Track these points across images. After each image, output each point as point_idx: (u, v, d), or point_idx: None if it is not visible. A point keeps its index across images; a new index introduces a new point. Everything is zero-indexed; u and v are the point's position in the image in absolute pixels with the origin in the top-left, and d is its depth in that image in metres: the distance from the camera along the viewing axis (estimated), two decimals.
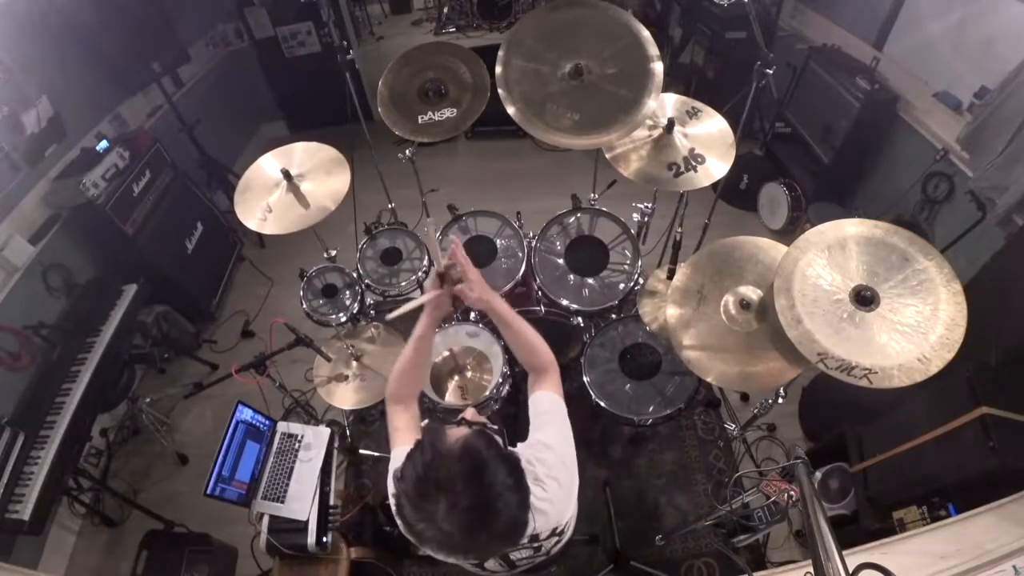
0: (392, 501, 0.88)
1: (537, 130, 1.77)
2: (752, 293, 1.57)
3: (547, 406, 1.12)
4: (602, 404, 1.93)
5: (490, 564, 1.14)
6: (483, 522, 0.79)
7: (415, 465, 0.82)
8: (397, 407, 1.20)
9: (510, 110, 1.78)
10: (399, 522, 0.87)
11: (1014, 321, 1.68)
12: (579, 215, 2.21)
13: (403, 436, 1.15)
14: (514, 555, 1.11)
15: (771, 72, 1.75)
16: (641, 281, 2.10)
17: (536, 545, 1.10)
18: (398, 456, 1.08)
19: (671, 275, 2.00)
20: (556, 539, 1.13)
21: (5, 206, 2.39)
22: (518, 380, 2.06)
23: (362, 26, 4.75)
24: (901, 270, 1.29)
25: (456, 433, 0.87)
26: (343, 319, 2.22)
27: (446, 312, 1.21)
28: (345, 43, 2.14)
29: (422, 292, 2.44)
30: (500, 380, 1.94)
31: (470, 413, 1.09)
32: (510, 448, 0.95)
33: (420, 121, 2.07)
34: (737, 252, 1.62)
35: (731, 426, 2.43)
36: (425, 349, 1.22)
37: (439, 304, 1.18)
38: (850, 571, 0.93)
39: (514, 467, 0.86)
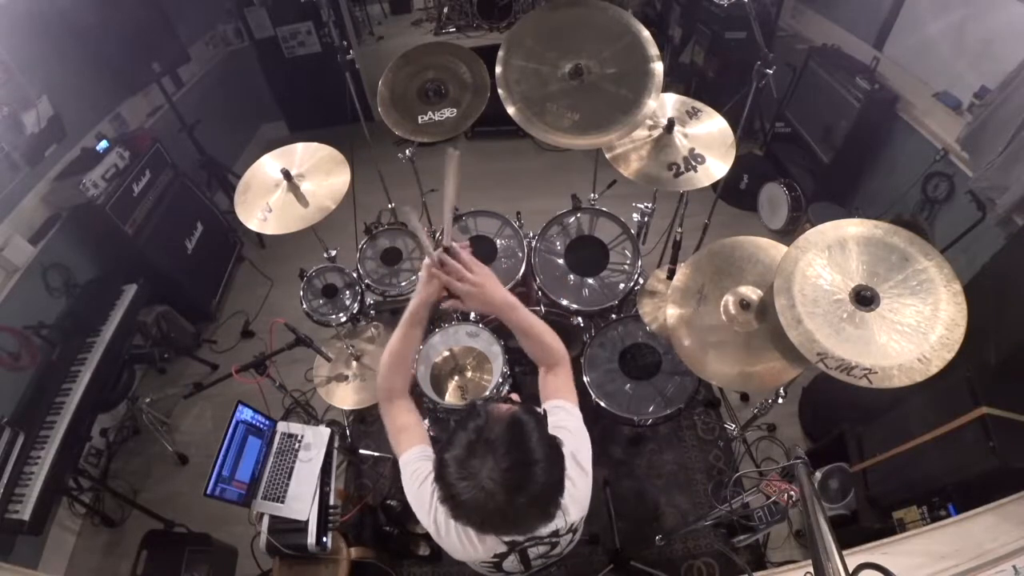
0: (432, 471, 0.93)
1: (537, 130, 1.77)
2: (752, 293, 1.57)
3: (560, 417, 1.08)
4: (602, 404, 1.93)
5: (508, 564, 1.14)
6: (522, 484, 0.84)
7: (466, 429, 0.89)
8: (397, 404, 1.15)
9: (510, 110, 1.78)
10: (438, 489, 0.89)
11: (1014, 321, 1.67)
12: (579, 215, 2.21)
13: (411, 436, 1.11)
14: (532, 551, 1.12)
15: (771, 72, 1.75)
16: (641, 281, 2.10)
17: (554, 540, 1.11)
18: (415, 457, 1.07)
19: (671, 275, 2.00)
20: (571, 536, 1.15)
21: (5, 206, 2.39)
22: (518, 380, 2.07)
23: (362, 26, 4.75)
24: (901, 270, 1.29)
25: (507, 406, 0.94)
26: (343, 319, 2.22)
27: (437, 295, 1.12)
28: (345, 43, 2.14)
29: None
30: (500, 380, 1.94)
31: (516, 396, 1.15)
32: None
33: (420, 121, 2.07)
34: (737, 252, 1.63)
35: (731, 426, 2.43)
36: (413, 334, 1.15)
37: (430, 283, 1.09)
38: (850, 571, 0.93)
39: (553, 442, 0.92)
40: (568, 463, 0.97)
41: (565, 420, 1.09)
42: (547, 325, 1.17)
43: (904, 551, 1.39)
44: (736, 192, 3.56)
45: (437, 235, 2.27)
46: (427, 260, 1.10)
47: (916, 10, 2.76)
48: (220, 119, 4.00)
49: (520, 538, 1.05)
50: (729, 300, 1.58)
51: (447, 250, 1.10)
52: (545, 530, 1.04)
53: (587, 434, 1.10)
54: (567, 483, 0.97)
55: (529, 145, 4.32)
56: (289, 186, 1.91)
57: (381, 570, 2.00)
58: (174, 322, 3.01)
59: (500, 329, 2.06)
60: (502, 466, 0.83)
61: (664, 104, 1.89)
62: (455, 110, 2.08)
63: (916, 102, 2.78)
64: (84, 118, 2.88)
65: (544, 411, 1.02)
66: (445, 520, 1.02)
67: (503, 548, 1.07)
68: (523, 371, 2.14)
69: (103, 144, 2.72)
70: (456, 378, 2.00)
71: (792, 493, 1.27)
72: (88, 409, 2.21)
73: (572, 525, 1.10)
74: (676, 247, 2.08)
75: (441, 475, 0.88)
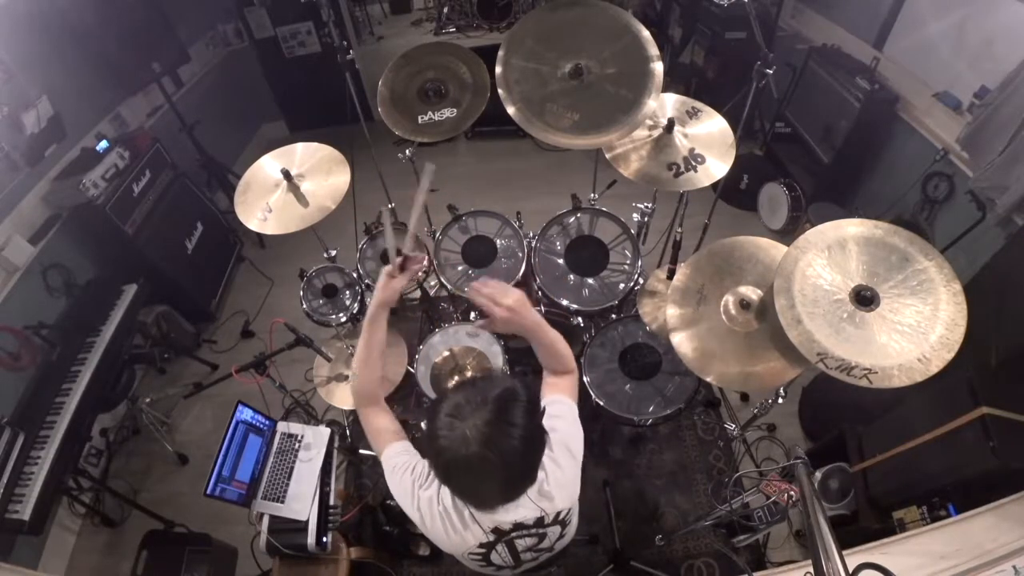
0: (415, 463, 1.02)
1: (537, 130, 1.77)
2: (752, 293, 1.57)
3: (560, 408, 1.13)
4: (602, 404, 1.93)
5: (496, 557, 1.14)
6: (497, 441, 0.88)
7: (475, 384, 0.97)
8: (370, 409, 1.19)
9: (510, 110, 1.78)
10: (427, 422, 0.96)
11: (1014, 321, 1.68)
12: (579, 215, 2.21)
13: (387, 435, 1.15)
14: (519, 542, 1.13)
15: (771, 72, 1.75)
16: (641, 281, 2.10)
17: (541, 532, 1.12)
18: (395, 453, 1.11)
19: (671, 275, 2.00)
20: (559, 528, 1.15)
21: (5, 206, 2.39)
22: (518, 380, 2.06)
23: (362, 26, 4.75)
24: (901, 270, 1.29)
25: (513, 380, 1.00)
26: (343, 319, 2.22)
27: (394, 298, 1.22)
28: (345, 43, 2.14)
29: (421, 291, 2.43)
30: None
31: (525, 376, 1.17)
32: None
33: (420, 121, 2.07)
34: (737, 252, 1.62)
35: (731, 426, 2.42)
36: (376, 337, 1.20)
37: (387, 287, 1.19)
38: (850, 571, 0.93)
39: (537, 420, 0.97)
40: (558, 450, 1.02)
41: (563, 411, 1.12)
42: (563, 338, 1.22)
43: (904, 551, 1.39)
44: (736, 192, 3.56)
45: (438, 235, 2.27)
46: (387, 267, 1.20)
47: (916, 10, 2.76)
48: (220, 119, 4.01)
49: (505, 525, 1.06)
50: (729, 300, 1.58)
51: (406, 259, 1.20)
52: (530, 516, 1.05)
53: (582, 430, 1.14)
54: (553, 467, 1.03)
55: (529, 145, 4.32)
56: (289, 186, 1.91)
57: (381, 570, 2.00)
58: (174, 322, 3.01)
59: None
60: (485, 418, 0.89)
61: (664, 104, 1.89)
62: (455, 110, 2.07)
63: (916, 102, 2.78)
64: (84, 118, 2.88)
65: (543, 406, 1.05)
66: (429, 509, 1.05)
67: (488, 538, 1.07)
68: (523, 371, 2.14)
69: (103, 144, 2.72)
70: (456, 378, 1.99)
71: (792, 493, 1.27)
72: (88, 409, 2.21)
73: (559, 514, 1.10)
74: (676, 247, 2.08)
75: (434, 409, 0.95)
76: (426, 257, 1.25)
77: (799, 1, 3.70)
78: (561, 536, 1.20)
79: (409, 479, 1.07)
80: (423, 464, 1.09)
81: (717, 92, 3.19)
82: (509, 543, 1.12)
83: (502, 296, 1.10)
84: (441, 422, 0.91)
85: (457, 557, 1.18)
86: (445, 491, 1.03)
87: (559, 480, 1.05)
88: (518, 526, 1.07)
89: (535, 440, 0.95)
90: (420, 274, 1.17)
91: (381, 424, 1.17)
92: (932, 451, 1.66)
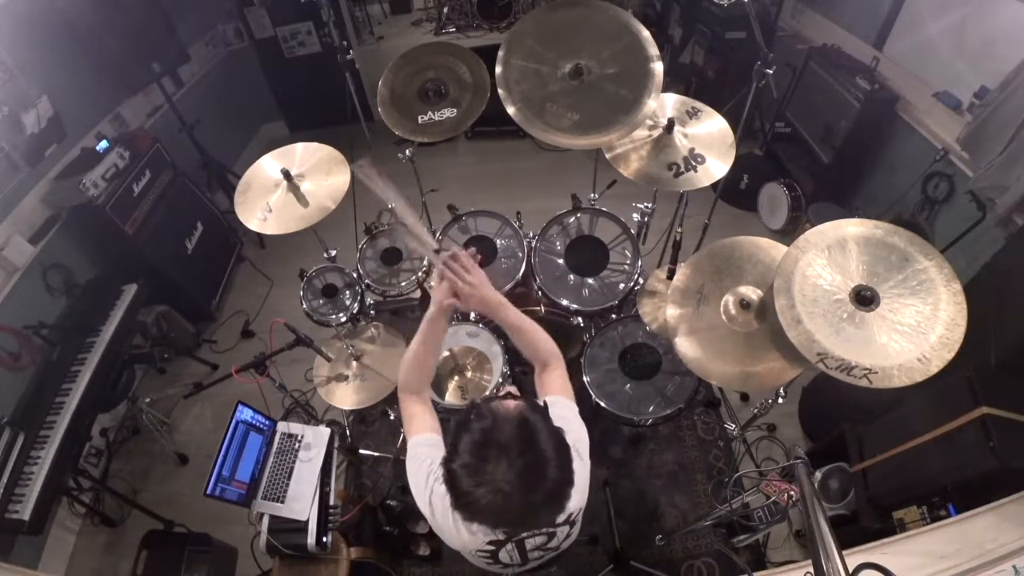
0: (442, 475, 0.92)
1: (537, 130, 1.77)
2: (752, 293, 1.57)
3: (560, 410, 1.12)
4: (602, 404, 1.93)
5: (504, 556, 1.15)
6: (538, 483, 0.85)
7: (472, 432, 0.88)
8: (410, 396, 1.20)
9: (510, 110, 1.78)
10: (449, 495, 0.89)
11: (1014, 321, 1.67)
12: (579, 215, 2.21)
13: (420, 424, 1.16)
14: (529, 541, 1.13)
15: (771, 72, 1.75)
16: (641, 281, 2.10)
17: (551, 531, 1.13)
18: (420, 442, 1.12)
19: (671, 275, 2.00)
20: (568, 528, 1.16)
21: (5, 206, 2.39)
22: (518, 380, 2.06)
23: (362, 26, 4.74)
24: (901, 270, 1.29)
25: (511, 404, 0.94)
26: (343, 319, 2.22)
27: (450, 298, 1.17)
28: (345, 43, 2.14)
29: (421, 291, 2.42)
30: (500, 380, 1.94)
31: (514, 390, 1.18)
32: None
33: (420, 121, 2.07)
34: (737, 252, 1.63)
35: (731, 426, 2.43)
36: (433, 334, 1.19)
37: (440, 286, 1.17)
38: (850, 571, 0.93)
39: (559, 436, 0.93)
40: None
41: (565, 412, 1.12)
42: (537, 324, 1.22)
43: (904, 551, 1.40)
44: (736, 192, 3.56)
45: (438, 235, 2.27)
46: (439, 267, 1.17)
47: (916, 10, 2.76)
48: (220, 119, 4.00)
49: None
50: (729, 300, 1.58)
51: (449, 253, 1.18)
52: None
53: (584, 426, 1.14)
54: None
55: (529, 145, 4.31)
56: (289, 186, 1.91)
57: (381, 570, 2.00)
58: (174, 322, 3.01)
59: (500, 329, 2.06)
60: (517, 468, 0.84)
61: (664, 104, 1.89)
62: (455, 110, 2.07)
63: (916, 102, 2.78)
64: (84, 118, 2.88)
65: (544, 403, 1.04)
66: (442, 505, 1.04)
67: (499, 537, 1.07)
68: (523, 371, 2.14)
69: (103, 144, 2.72)
70: (456, 378, 2.00)
71: (792, 493, 1.27)
72: (88, 409, 2.21)
73: (570, 515, 1.12)
74: (676, 247, 2.08)
75: (453, 483, 0.89)
76: (461, 248, 1.25)
77: (799, 1, 3.70)
78: (568, 536, 1.20)
79: (426, 470, 1.07)
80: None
81: (717, 92, 3.20)
82: (519, 542, 1.12)
83: (466, 272, 1.14)
84: (470, 493, 0.85)
85: (464, 554, 1.18)
86: None
87: (575, 485, 1.03)
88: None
89: (565, 455, 0.92)
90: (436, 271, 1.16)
91: (417, 411, 1.18)
92: (932, 451, 1.66)
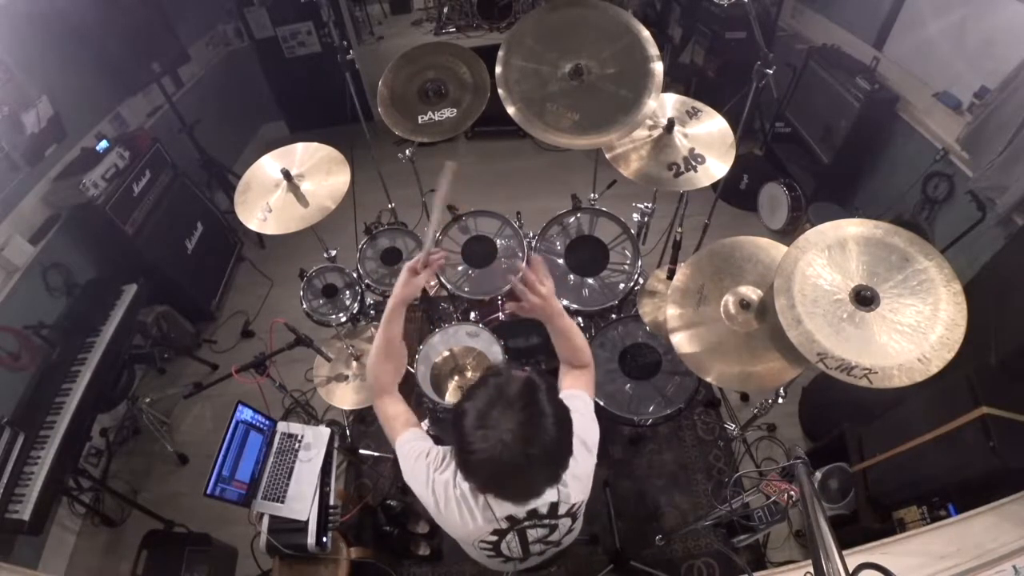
0: (451, 421, 0.97)
1: (537, 130, 1.77)
2: (752, 293, 1.57)
3: (576, 403, 1.14)
4: (602, 404, 1.93)
5: (505, 547, 1.15)
6: (535, 435, 0.90)
7: (487, 385, 0.96)
8: (386, 398, 1.20)
9: (510, 110, 1.78)
10: (453, 438, 0.95)
11: (1014, 321, 1.67)
12: (579, 215, 2.21)
13: (402, 421, 1.16)
14: (531, 532, 1.13)
15: (771, 72, 1.75)
16: (641, 281, 2.10)
17: (553, 523, 1.13)
18: (408, 439, 1.13)
19: (671, 275, 2.00)
20: (570, 521, 1.16)
21: (5, 206, 2.39)
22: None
23: (362, 26, 4.74)
24: (901, 270, 1.29)
25: (522, 372, 1.01)
26: (343, 319, 2.22)
27: (415, 295, 1.23)
28: (345, 43, 2.14)
29: (421, 291, 2.42)
30: None
31: (528, 368, 1.22)
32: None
33: (420, 121, 2.07)
34: (737, 252, 1.62)
35: (731, 426, 2.42)
36: (394, 331, 1.20)
37: (409, 283, 1.19)
38: (850, 571, 0.93)
39: (562, 404, 0.99)
40: (575, 443, 1.01)
41: (579, 406, 1.13)
42: (580, 331, 1.27)
43: (904, 551, 1.39)
44: (736, 192, 3.56)
45: (438, 235, 2.27)
46: (410, 262, 1.20)
47: (916, 10, 2.76)
48: (220, 119, 4.00)
49: (520, 513, 1.06)
50: (729, 300, 1.58)
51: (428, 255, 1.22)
52: (544, 504, 1.07)
53: (597, 425, 1.16)
54: (571, 458, 1.01)
55: (529, 145, 4.32)
56: (289, 186, 1.91)
57: (381, 570, 2.00)
58: (174, 322, 3.01)
59: (499, 329, 2.07)
60: (518, 419, 0.89)
61: (664, 104, 1.89)
62: (455, 110, 2.08)
63: (916, 102, 2.78)
64: (84, 118, 2.88)
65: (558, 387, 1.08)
66: (444, 492, 1.05)
67: (502, 526, 1.08)
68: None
69: (103, 144, 2.71)
70: (456, 378, 2.00)
71: (792, 493, 1.27)
72: (88, 409, 2.21)
73: (572, 507, 1.12)
74: (676, 247, 2.08)
75: (458, 424, 0.93)
76: (445, 252, 1.27)
77: (799, 1, 3.70)
78: (570, 530, 1.21)
79: (424, 463, 1.08)
80: (437, 450, 1.10)
81: (717, 92, 3.19)
82: (521, 532, 1.12)
83: (539, 284, 1.17)
84: (472, 436, 0.90)
85: (466, 546, 1.18)
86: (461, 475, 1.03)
87: (574, 472, 1.06)
88: (532, 514, 1.08)
89: (565, 419, 0.96)
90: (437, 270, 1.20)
91: (392, 412, 1.18)
92: (932, 451, 1.66)
